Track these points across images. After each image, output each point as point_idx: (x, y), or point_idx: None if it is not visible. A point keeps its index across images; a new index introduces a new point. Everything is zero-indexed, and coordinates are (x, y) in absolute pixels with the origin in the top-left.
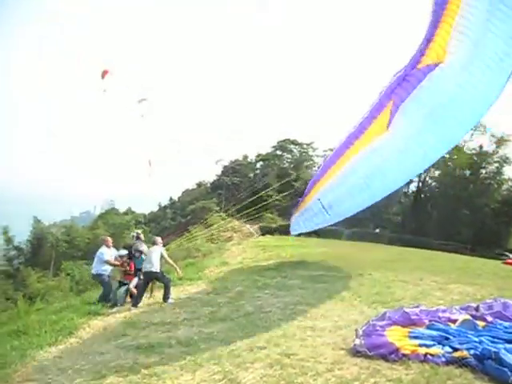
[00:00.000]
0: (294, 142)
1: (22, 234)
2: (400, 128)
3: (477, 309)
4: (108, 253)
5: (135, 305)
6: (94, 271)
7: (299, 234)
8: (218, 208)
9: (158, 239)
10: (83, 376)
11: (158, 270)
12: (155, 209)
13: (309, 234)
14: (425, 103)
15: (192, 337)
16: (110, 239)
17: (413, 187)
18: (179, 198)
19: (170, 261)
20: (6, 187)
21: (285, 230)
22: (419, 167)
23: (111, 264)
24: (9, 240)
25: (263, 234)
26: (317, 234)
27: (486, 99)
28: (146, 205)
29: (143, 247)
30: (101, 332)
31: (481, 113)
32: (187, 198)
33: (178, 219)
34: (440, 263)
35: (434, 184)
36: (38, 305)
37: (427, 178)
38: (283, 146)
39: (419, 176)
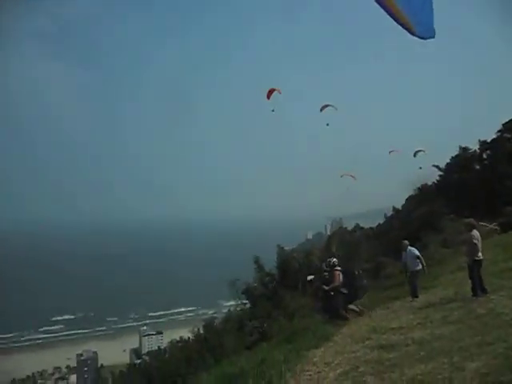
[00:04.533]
0: None
1: (271, 262)
2: None
3: None
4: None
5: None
6: (411, 269)
7: None
8: (446, 210)
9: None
10: (342, 367)
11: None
12: (381, 221)
13: None
14: None
15: (425, 337)
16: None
17: None
18: (403, 206)
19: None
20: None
21: None
22: None
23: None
24: (260, 267)
25: (504, 231)
26: None
27: None
28: (373, 218)
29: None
30: (350, 337)
31: None
32: (411, 205)
33: (405, 228)
34: None
35: None
36: (295, 319)
37: None
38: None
39: None
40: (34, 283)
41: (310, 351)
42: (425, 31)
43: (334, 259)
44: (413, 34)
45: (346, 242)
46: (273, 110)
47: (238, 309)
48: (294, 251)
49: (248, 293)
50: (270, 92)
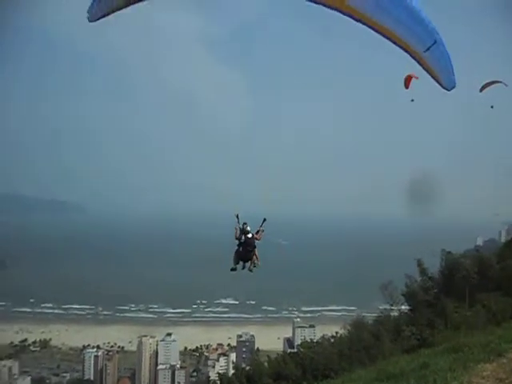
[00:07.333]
0: None
1: (433, 266)
2: None
3: None
4: None
5: None
6: None
7: None
8: None
9: None
10: None
11: None
12: None
13: None
14: None
15: None
16: None
17: None
18: None
19: None
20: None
21: None
22: None
23: None
24: (423, 271)
25: None
26: None
27: None
28: None
29: None
30: None
31: None
32: None
33: None
34: None
35: None
36: (461, 331)
37: None
38: None
39: None
40: (203, 269)
41: (479, 364)
42: (449, 84)
43: (247, 225)
44: (442, 86)
45: None
46: (412, 100)
47: (394, 313)
48: (462, 256)
49: (408, 296)
50: (408, 80)
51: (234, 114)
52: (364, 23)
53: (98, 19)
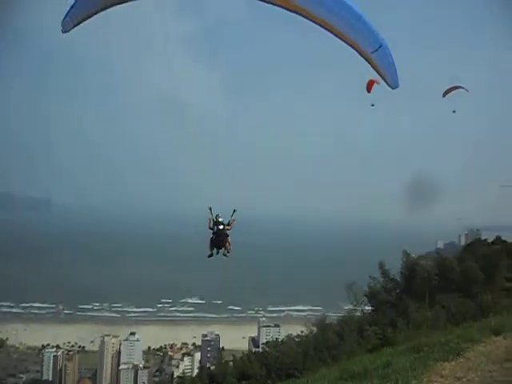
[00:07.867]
0: None
1: (395, 267)
2: None
3: None
4: None
5: None
6: None
7: None
8: None
9: None
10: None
11: None
12: None
13: None
14: None
15: None
16: None
17: None
18: None
19: None
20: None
21: None
22: None
23: None
24: (385, 272)
25: None
26: None
27: None
28: None
29: None
30: (485, 355)
31: None
32: None
33: None
34: None
35: None
36: (422, 331)
37: None
38: None
39: None
40: (169, 267)
41: (438, 363)
42: (393, 83)
43: (219, 216)
44: (387, 84)
45: (484, 254)
46: (372, 105)
47: (358, 313)
48: (422, 258)
49: (371, 297)
50: (371, 84)
51: (213, 115)
52: (313, 21)
53: (71, 29)
